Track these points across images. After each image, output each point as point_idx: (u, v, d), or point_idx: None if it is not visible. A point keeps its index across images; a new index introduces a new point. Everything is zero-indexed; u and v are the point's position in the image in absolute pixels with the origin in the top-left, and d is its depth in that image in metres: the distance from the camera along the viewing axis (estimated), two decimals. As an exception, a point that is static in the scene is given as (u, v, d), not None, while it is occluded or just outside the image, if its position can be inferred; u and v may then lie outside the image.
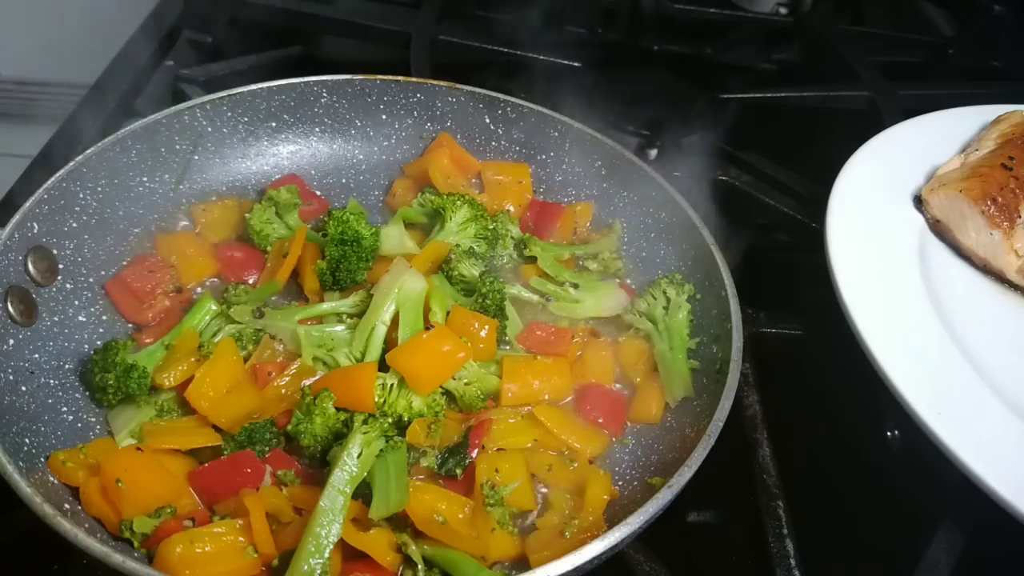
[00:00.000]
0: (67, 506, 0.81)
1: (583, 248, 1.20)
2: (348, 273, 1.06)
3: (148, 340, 1.01)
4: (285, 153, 1.27)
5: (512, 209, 1.24)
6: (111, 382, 0.92)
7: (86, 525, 0.78)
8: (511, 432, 0.97)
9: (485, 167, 1.28)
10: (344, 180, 1.29)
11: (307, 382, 0.97)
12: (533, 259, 1.16)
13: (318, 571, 0.79)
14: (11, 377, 0.88)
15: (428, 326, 1.00)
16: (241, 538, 0.82)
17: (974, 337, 1.06)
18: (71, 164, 1.03)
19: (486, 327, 1.00)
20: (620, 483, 0.96)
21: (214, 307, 1.02)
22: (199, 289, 1.10)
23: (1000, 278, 1.18)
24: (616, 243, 1.21)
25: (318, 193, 1.25)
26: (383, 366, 0.97)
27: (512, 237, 1.19)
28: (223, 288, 1.10)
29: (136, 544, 0.83)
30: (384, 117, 1.30)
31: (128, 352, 0.95)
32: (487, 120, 1.29)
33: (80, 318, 1.01)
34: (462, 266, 1.10)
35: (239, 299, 1.06)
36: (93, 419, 0.94)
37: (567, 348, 1.06)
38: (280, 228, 1.15)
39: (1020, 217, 1.17)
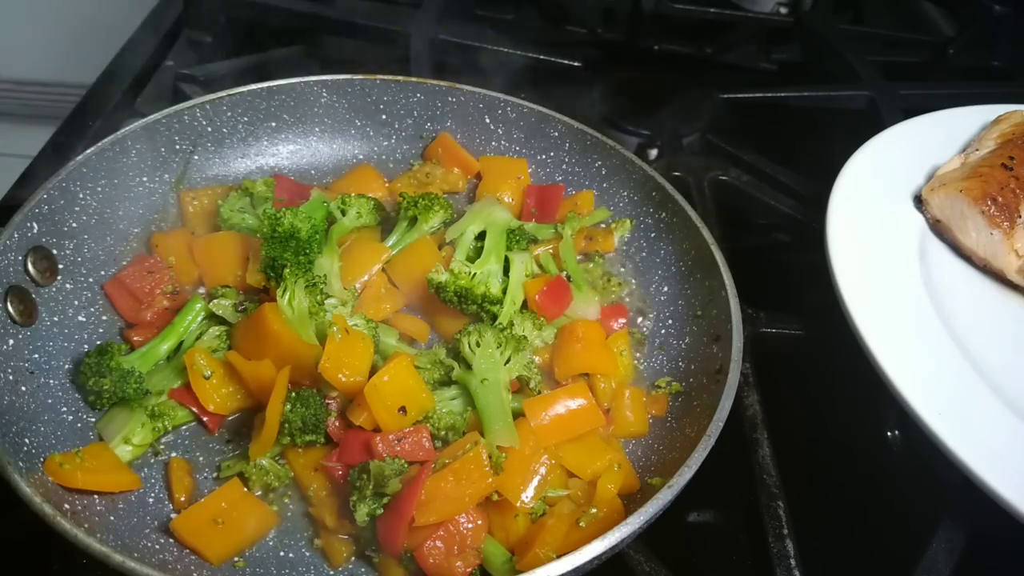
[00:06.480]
0: (67, 506, 0.81)
1: (579, 221, 1.20)
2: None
3: (138, 338, 1.01)
4: (285, 153, 1.27)
5: (510, 200, 1.24)
6: (107, 387, 0.91)
7: (86, 525, 0.78)
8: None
9: (484, 161, 1.29)
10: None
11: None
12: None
13: None
14: (11, 377, 0.88)
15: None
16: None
17: (974, 337, 1.06)
18: (71, 164, 1.03)
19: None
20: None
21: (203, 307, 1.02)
22: (200, 290, 1.10)
23: (1000, 278, 1.18)
24: (605, 216, 1.22)
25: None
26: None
27: None
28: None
29: None
30: (384, 117, 1.30)
31: (122, 353, 0.95)
32: (487, 120, 1.29)
33: (80, 318, 1.01)
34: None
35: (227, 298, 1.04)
36: (92, 419, 0.94)
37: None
38: (250, 219, 1.13)
39: (1020, 217, 1.17)
